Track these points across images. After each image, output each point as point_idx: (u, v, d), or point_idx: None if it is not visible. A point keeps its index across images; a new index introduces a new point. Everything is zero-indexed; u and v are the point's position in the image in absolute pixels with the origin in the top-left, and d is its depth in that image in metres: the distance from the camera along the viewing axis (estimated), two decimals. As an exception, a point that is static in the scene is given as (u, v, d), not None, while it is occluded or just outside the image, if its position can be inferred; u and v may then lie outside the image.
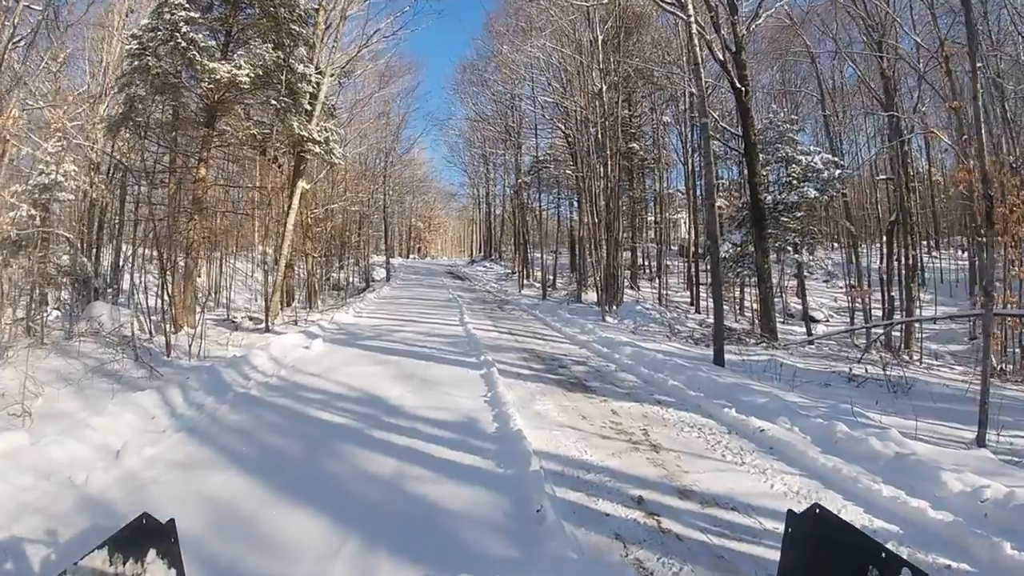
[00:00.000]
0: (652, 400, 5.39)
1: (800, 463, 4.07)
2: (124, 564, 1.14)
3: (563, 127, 23.04)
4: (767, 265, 12.14)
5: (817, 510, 1.22)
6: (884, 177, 18.21)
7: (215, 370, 6.85)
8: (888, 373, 7.41)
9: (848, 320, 17.10)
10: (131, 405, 5.35)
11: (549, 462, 3.46)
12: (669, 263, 22.72)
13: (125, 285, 13.54)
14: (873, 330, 11.25)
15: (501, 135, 29.13)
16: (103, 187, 14.20)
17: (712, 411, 5.12)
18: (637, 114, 24.95)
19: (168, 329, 9.32)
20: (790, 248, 12.79)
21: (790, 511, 1.26)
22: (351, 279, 24.18)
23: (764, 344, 10.89)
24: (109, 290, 13.74)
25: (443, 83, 65.99)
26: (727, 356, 8.13)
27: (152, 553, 1.20)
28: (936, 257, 22.64)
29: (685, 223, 28.55)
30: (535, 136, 23.46)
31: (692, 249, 22.86)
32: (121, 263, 14.09)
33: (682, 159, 24.77)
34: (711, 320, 16.68)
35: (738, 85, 12.61)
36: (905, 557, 1.08)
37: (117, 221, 15.36)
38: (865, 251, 22.54)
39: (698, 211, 22.36)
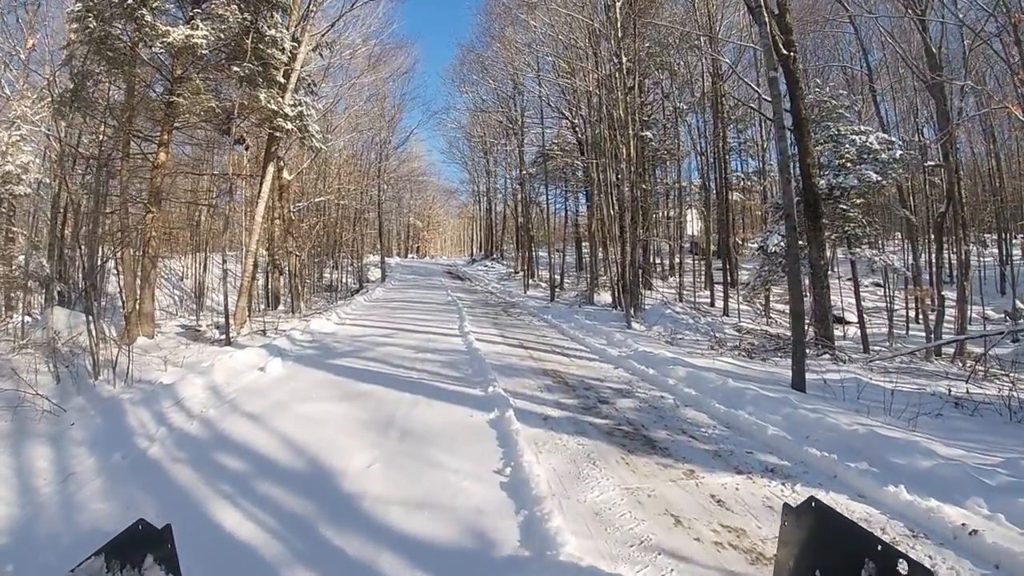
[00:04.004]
0: (761, 467, 3.48)
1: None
2: (121, 570, 1.08)
3: (570, 115, 21.21)
4: (823, 260, 10.24)
5: (813, 503, 1.19)
6: (932, 163, 16.33)
7: (121, 410, 4.98)
8: (1008, 395, 5.75)
9: (886, 322, 15.27)
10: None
11: None
12: (679, 261, 20.94)
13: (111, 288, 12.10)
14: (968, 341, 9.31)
15: (503, 126, 27.18)
16: (75, 181, 12.43)
17: (865, 489, 3.24)
18: (649, 101, 23.11)
19: (96, 346, 7.42)
20: (846, 241, 10.86)
21: (786, 504, 1.22)
22: (344, 280, 22.32)
23: (829, 355, 8.99)
24: (81, 293, 12.07)
25: (441, 73, 63.88)
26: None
27: (149, 559, 1.14)
28: (958, 252, 20.94)
29: (695, 220, 26.76)
30: (541, 124, 21.55)
31: (712, 247, 21.07)
32: (99, 264, 12.56)
33: (699, 150, 23.00)
34: (744, 324, 14.90)
35: (784, 51, 10.76)
36: None
37: (92, 218, 13.66)
38: (883, 244, 20.72)
39: (719, 204, 20.58)
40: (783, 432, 4.15)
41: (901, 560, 0.98)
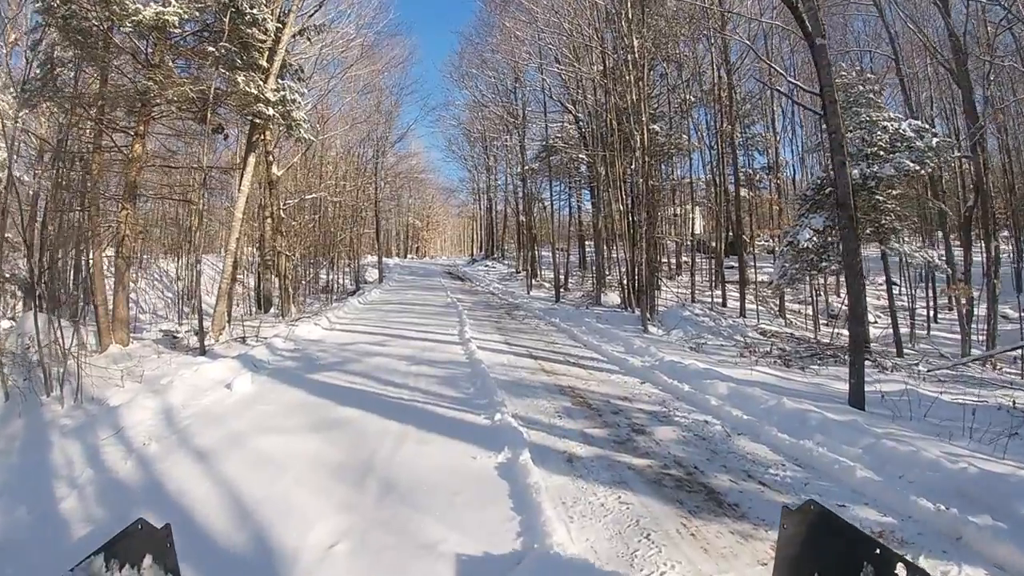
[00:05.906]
0: (864, 530, 2.58)
1: None
2: (120, 570, 1.06)
3: (573, 108, 20.32)
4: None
5: (812, 506, 1.16)
6: (959, 155, 15.43)
7: (49, 442, 4.12)
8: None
9: (907, 322, 14.38)
10: None
11: None
12: (687, 259, 20.12)
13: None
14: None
15: (503, 120, 26.28)
16: (60, 177, 11.63)
17: (1005, 559, 2.45)
18: (655, 94, 22.24)
19: (49, 357, 6.59)
20: (880, 235, 9.95)
21: (785, 507, 1.18)
22: (340, 281, 21.45)
23: (871, 361, 8.08)
24: (67, 296, 11.30)
25: (440, 68, 62.50)
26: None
27: (148, 559, 1.12)
28: (987, 248, 20.16)
29: (700, 217, 25.98)
30: (544, 116, 20.60)
31: (721, 245, 20.16)
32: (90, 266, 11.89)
33: (707, 143, 22.17)
34: (765, 326, 13.96)
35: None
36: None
37: (54, 215, 12.83)
38: (901, 240, 19.82)
39: (730, 200, 19.71)
40: (871, 472, 3.25)
41: (899, 563, 0.96)
